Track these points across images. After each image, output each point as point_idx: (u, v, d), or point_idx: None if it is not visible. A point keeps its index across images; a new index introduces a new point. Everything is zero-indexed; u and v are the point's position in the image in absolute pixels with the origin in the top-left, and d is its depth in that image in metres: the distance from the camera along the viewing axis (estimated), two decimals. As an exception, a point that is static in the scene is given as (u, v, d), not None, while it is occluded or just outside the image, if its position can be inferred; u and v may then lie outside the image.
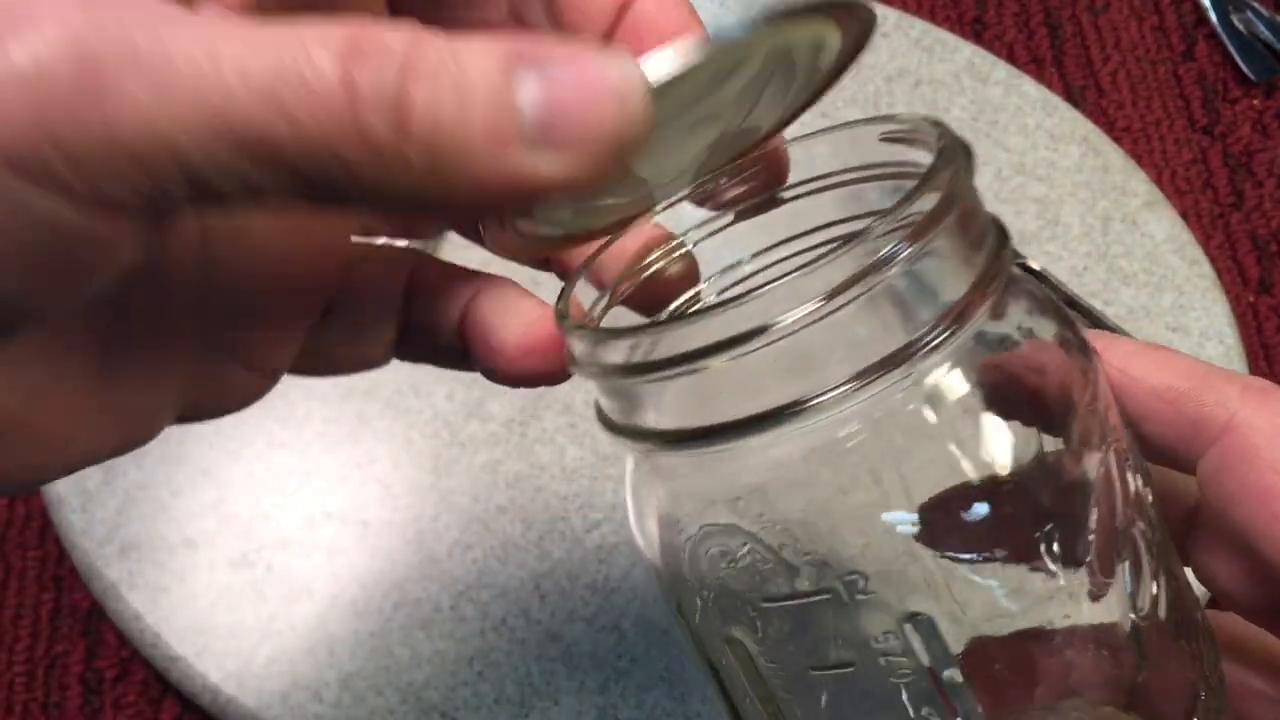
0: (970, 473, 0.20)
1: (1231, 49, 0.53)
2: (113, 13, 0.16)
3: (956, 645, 0.21)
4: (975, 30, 0.53)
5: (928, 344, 0.19)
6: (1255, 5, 0.54)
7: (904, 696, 0.21)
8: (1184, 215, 0.49)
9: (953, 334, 0.19)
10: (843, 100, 0.50)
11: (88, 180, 0.16)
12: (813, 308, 0.19)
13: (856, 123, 0.23)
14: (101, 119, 0.16)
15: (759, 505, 0.21)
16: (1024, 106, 0.50)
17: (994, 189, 0.48)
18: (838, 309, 0.19)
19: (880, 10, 0.52)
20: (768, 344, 0.19)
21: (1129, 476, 0.22)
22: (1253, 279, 0.49)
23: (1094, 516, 0.21)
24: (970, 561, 0.21)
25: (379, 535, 0.41)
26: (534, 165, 0.17)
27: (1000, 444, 0.21)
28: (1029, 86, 0.50)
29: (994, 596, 0.21)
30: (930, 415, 0.20)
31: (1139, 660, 0.22)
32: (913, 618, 0.21)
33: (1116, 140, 0.50)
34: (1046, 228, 0.47)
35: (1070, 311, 0.45)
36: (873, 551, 0.21)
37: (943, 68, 0.51)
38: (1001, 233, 0.22)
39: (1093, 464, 0.21)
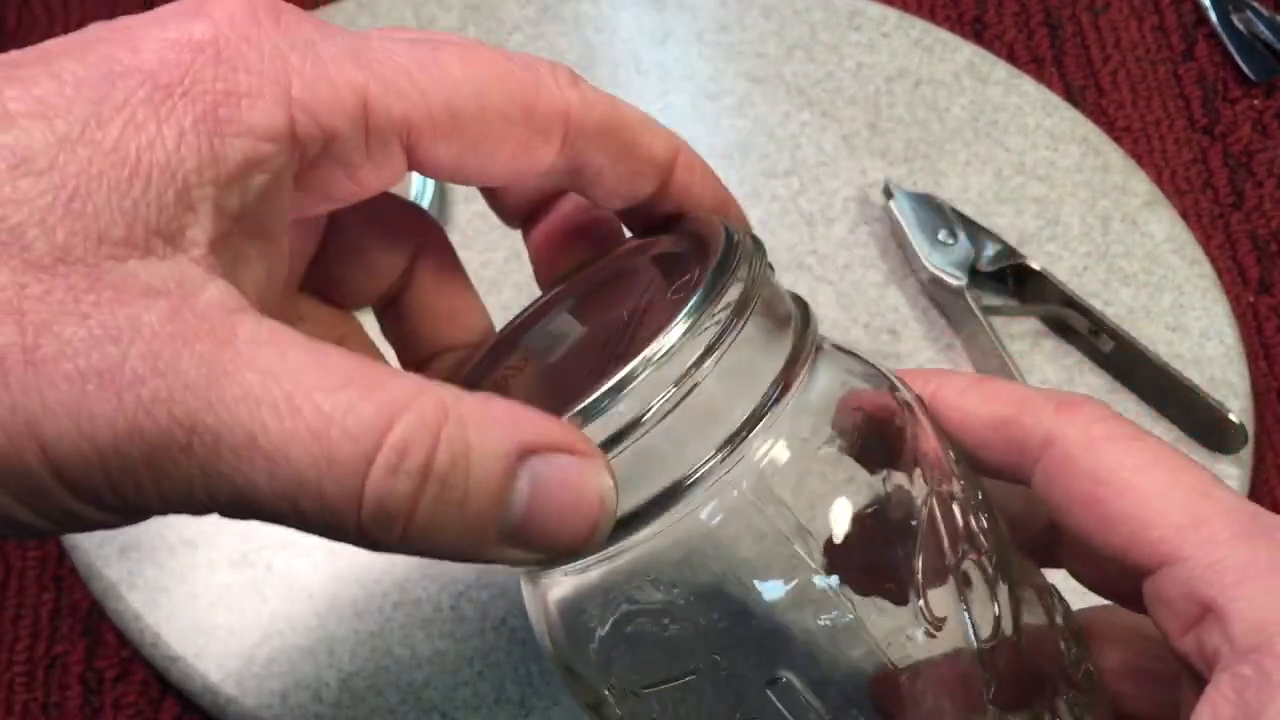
0: (809, 531, 0.22)
1: (1231, 49, 0.53)
2: (188, 360, 0.18)
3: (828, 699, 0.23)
4: (975, 30, 0.53)
5: (750, 424, 0.22)
6: (1255, 5, 0.54)
7: None
8: (1184, 215, 0.49)
9: (770, 411, 0.22)
10: (843, 100, 0.50)
11: (142, 513, 0.19)
12: (626, 419, 0.21)
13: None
14: (188, 489, 0.19)
15: (640, 594, 0.23)
16: (1024, 106, 0.50)
17: (994, 189, 0.48)
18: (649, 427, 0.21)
19: (880, 10, 0.52)
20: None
21: (957, 513, 0.24)
22: (1253, 279, 0.49)
23: (920, 558, 0.23)
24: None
25: (379, 535, 0.41)
26: (502, 554, 0.20)
27: (831, 505, 0.23)
28: (1029, 86, 0.50)
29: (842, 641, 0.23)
30: (767, 486, 0.22)
31: (989, 679, 0.23)
32: (773, 684, 0.22)
33: (1116, 140, 0.50)
34: (1046, 227, 0.47)
35: (1071, 311, 0.45)
36: (742, 620, 0.22)
37: (943, 67, 0.51)
38: (805, 310, 0.24)
39: (918, 507, 0.23)
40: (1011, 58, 0.53)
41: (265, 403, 0.18)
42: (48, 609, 0.41)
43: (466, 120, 0.22)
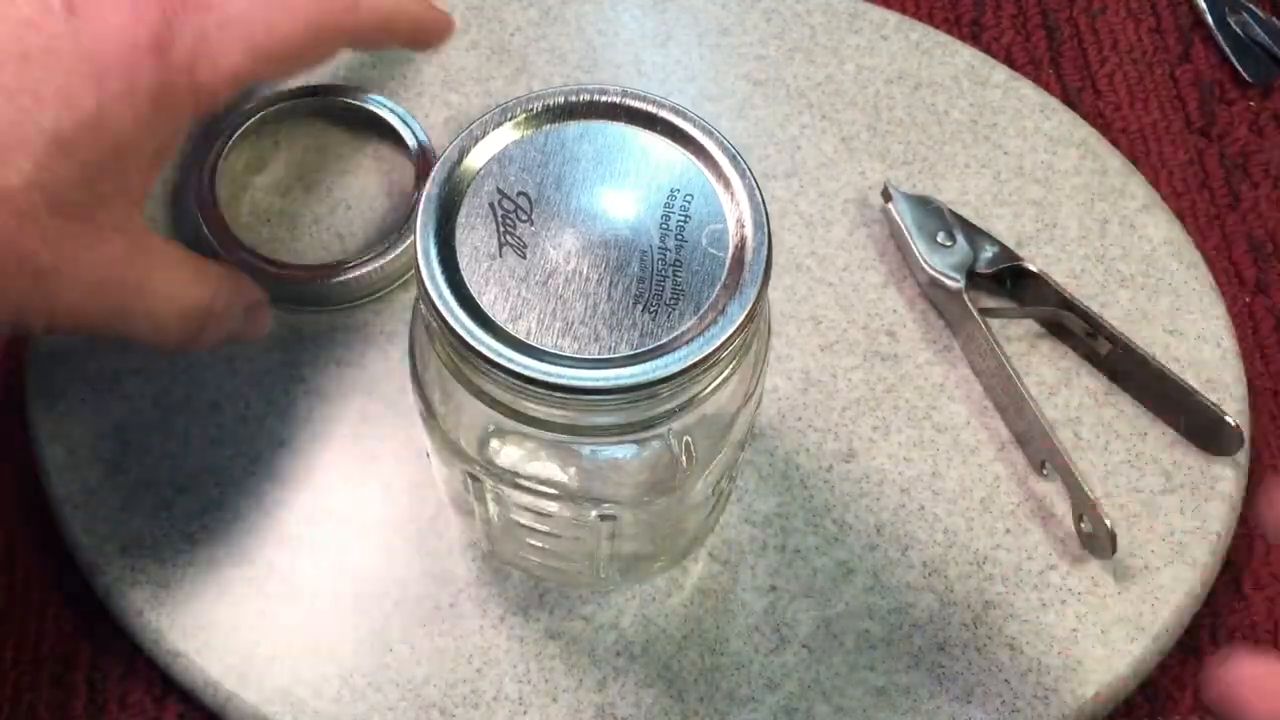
0: None
1: (1228, 51, 0.53)
2: (129, 275, 0.36)
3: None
4: (973, 32, 0.54)
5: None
6: (1251, 7, 0.54)
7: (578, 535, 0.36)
8: (1180, 216, 0.49)
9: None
10: (843, 103, 0.50)
11: None
12: None
13: None
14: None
15: None
16: (1023, 109, 0.50)
17: (993, 191, 0.48)
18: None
19: (880, 13, 0.52)
20: None
21: None
22: (1249, 279, 0.49)
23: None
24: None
25: (379, 533, 0.41)
26: None
27: None
28: (1028, 90, 0.51)
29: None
30: None
31: None
32: (605, 519, 0.35)
33: (1113, 141, 0.50)
34: (1044, 230, 0.48)
35: (1069, 313, 0.45)
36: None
37: (942, 70, 0.51)
38: None
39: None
40: (1009, 60, 0.53)
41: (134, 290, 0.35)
42: (49, 608, 0.42)
43: (284, 61, 0.36)
